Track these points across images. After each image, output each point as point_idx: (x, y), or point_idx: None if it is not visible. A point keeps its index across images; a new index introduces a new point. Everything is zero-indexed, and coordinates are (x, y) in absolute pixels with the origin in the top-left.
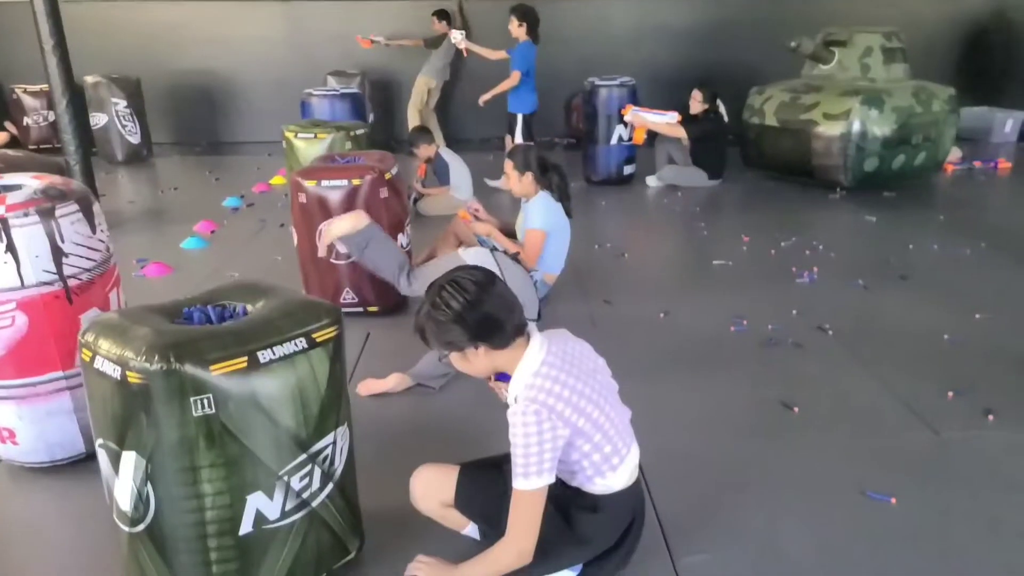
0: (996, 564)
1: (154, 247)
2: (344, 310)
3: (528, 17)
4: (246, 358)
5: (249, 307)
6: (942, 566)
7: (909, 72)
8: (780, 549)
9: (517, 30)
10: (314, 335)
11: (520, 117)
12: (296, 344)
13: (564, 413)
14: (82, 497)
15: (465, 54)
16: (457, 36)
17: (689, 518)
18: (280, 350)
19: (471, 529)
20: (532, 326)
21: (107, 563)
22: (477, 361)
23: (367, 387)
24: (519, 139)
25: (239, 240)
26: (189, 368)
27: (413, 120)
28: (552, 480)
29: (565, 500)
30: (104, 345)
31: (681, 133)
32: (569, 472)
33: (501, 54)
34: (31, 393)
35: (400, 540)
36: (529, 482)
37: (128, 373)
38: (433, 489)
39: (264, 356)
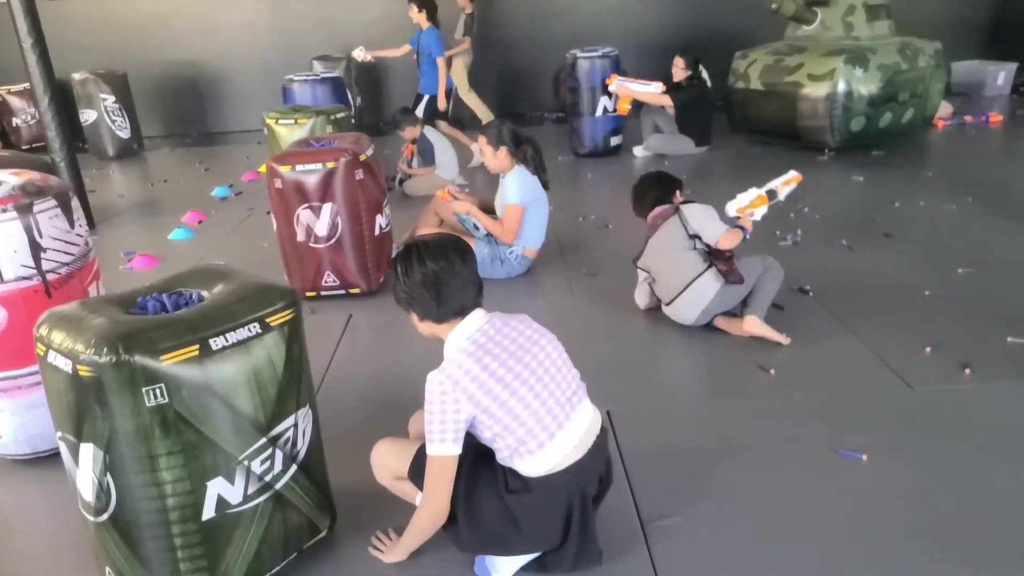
0: (964, 516)
1: (143, 240)
2: (326, 292)
3: (426, 3)
4: (198, 346)
5: (205, 293)
6: (911, 520)
7: (894, 28)
8: (751, 510)
9: (418, 16)
10: (268, 319)
11: (427, 98)
12: (250, 329)
13: (469, 389)
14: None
15: (373, 61)
16: (358, 53)
17: (661, 481)
18: (233, 336)
19: (420, 499)
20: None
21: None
22: (419, 326)
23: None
24: (419, 116)
25: (226, 229)
26: (139, 359)
27: (474, 103)
28: (456, 452)
29: (501, 477)
30: (56, 338)
31: (666, 101)
32: (493, 449)
33: (405, 48)
34: (12, 386)
35: (374, 516)
36: (432, 448)
37: (79, 367)
38: (386, 462)
39: (216, 343)
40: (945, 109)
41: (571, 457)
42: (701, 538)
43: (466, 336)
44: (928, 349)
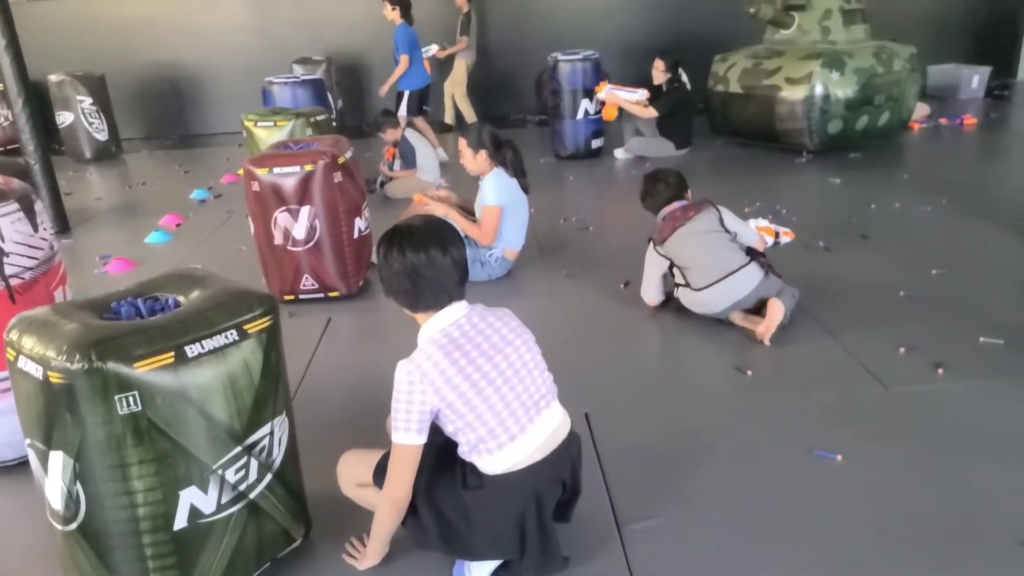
0: (938, 515)
1: (120, 243)
2: (304, 296)
3: (399, 0)
4: (173, 353)
5: (181, 298)
6: (886, 519)
7: (870, 32)
8: (728, 512)
9: (391, 13)
10: (246, 326)
11: (407, 94)
12: (227, 336)
13: (436, 383)
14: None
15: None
16: (402, 114)
17: (638, 483)
18: (209, 343)
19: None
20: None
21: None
22: (401, 309)
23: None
24: (403, 114)
25: (204, 232)
26: (112, 366)
27: (466, 109)
28: (420, 441)
29: (460, 472)
30: (27, 344)
31: (651, 113)
32: (455, 443)
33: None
34: None
35: (349, 523)
36: (397, 436)
37: (50, 373)
38: (351, 470)
39: (192, 350)
40: (923, 110)
41: (532, 458)
42: (678, 540)
43: (440, 328)
44: (903, 349)
